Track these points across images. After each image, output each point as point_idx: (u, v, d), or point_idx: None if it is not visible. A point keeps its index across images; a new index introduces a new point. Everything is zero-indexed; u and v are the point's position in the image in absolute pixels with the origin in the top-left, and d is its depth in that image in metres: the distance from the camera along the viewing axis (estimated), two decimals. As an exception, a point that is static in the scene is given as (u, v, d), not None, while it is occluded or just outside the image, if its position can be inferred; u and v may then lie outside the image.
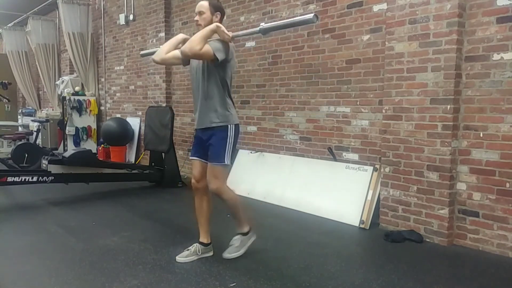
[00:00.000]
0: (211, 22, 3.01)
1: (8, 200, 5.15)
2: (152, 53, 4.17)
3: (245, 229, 3.27)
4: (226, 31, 2.87)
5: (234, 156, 5.50)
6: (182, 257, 3.17)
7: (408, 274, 3.01)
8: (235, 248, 3.22)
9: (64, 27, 9.12)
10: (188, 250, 3.21)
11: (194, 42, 2.82)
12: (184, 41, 3.11)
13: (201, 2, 3.08)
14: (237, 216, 3.25)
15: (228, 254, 3.20)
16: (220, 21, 3.08)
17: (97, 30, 9.48)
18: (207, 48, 2.84)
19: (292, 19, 2.85)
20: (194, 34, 3.07)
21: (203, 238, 3.26)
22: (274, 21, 5.23)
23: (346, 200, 4.31)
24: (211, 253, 3.27)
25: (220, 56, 2.89)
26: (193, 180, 3.22)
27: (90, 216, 4.49)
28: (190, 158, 3.29)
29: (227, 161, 3.05)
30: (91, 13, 9.36)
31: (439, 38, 3.59)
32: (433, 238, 3.70)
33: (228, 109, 3.07)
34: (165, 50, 3.06)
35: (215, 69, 2.98)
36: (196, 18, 3.07)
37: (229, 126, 3.05)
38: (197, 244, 3.24)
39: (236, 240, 3.25)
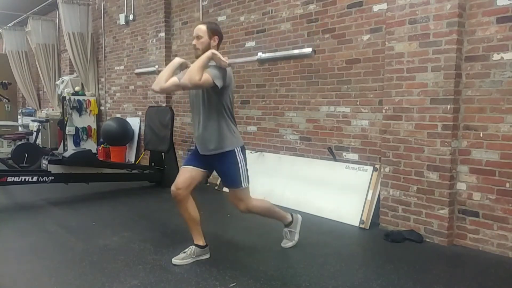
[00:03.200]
0: (209, 46, 3.01)
1: (8, 200, 5.15)
2: (147, 73, 4.18)
3: (288, 219, 3.45)
4: (222, 57, 2.88)
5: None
6: (178, 260, 3.14)
7: (408, 274, 3.01)
8: (288, 238, 3.48)
9: (64, 27, 9.12)
10: (184, 252, 3.19)
11: (193, 73, 2.81)
12: (181, 66, 3.13)
13: (199, 26, 3.08)
14: (275, 217, 3.39)
15: (285, 244, 3.47)
16: (218, 44, 3.09)
17: (97, 30, 9.48)
18: (206, 76, 2.84)
19: (290, 51, 2.88)
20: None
21: (198, 241, 3.24)
22: (274, 21, 5.30)
23: (346, 200, 4.31)
24: (207, 256, 3.25)
25: (219, 83, 2.89)
26: (173, 187, 3.09)
27: (90, 216, 4.49)
28: (183, 167, 3.19)
29: (244, 184, 3.07)
30: (91, 13, 9.36)
31: (439, 38, 3.59)
32: (433, 238, 3.70)
33: (232, 132, 3.08)
34: (164, 79, 3.02)
35: (215, 94, 2.97)
36: (194, 42, 3.07)
37: (235, 150, 3.06)
38: (193, 246, 3.22)
39: (286, 232, 3.48)
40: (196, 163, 3.16)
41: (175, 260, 3.14)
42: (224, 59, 2.88)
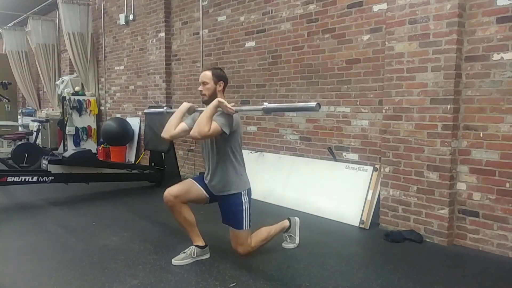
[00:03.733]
0: (214, 92, 3.09)
1: (8, 200, 5.15)
2: (156, 113, 4.23)
3: (286, 226, 3.48)
4: (228, 105, 2.92)
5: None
6: (178, 260, 3.15)
7: (408, 274, 3.01)
8: (289, 241, 3.52)
9: (64, 27, 9.12)
10: (184, 252, 3.20)
11: (202, 125, 2.85)
12: (188, 110, 3.22)
13: (205, 72, 3.15)
14: (276, 235, 3.40)
15: (285, 245, 3.51)
16: (224, 89, 3.15)
17: (97, 30, 9.48)
18: (215, 126, 2.89)
19: (295, 104, 2.87)
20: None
21: (198, 242, 3.25)
22: (274, 21, 5.30)
23: (346, 200, 4.31)
24: (207, 256, 3.26)
25: (227, 130, 2.94)
26: (167, 192, 3.09)
27: (90, 216, 4.49)
28: (190, 179, 3.28)
29: (246, 227, 3.08)
30: (91, 13, 9.36)
31: (439, 38, 3.59)
32: (433, 238, 3.70)
33: (240, 175, 3.12)
34: (173, 125, 3.15)
35: (223, 140, 3.03)
36: (200, 88, 3.14)
37: (242, 193, 3.09)
38: (193, 246, 3.23)
39: (286, 237, 3.52)
40: (202, 185, 3.20)
41: (175, 261, 3.14)
42: (230, 105, 2.92)
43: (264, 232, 3.29)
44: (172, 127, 3.14)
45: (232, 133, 3.00)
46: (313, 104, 2.57)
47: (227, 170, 3.07)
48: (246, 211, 3.08)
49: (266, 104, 2.83)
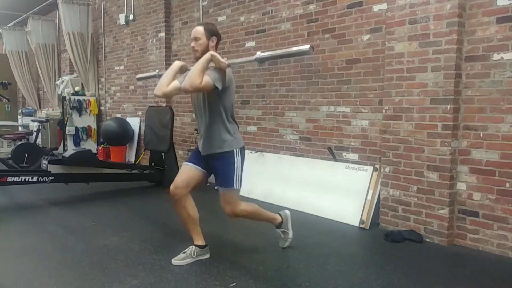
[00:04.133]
0: (207, 47, 3.02)
1: (8, 200, 5.15)
2: (148, 77, 4.17)
3: (278, 220, 3.42)
4: (221, 59, 2.88)
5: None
6: (178, 260, 3.14)
7: (408, 274, 3.01)
8: (283, 237, 3.44)
9: (64, 27, 9.12)
10: (184, 252, 3.19)
11: (193, 77, 2.82)
12: (181, 69, 3.15)
13: (196, 28, 3.08)
14: (264, 219, 3.34)
15: (282, 245, 3.45)
16: (217, 45, 3.09)
17: (97, 30, 9.48)
18: (206, 79, 2.85)
19: (288, 49, 2.84)
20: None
21: (198, 241, 3.24)
22: (274, 21, 5.30)
23: (346, 200, 4.31)
24: (207, 256, 3.25)
25: (220, 85, 2.90)
26: (172, 186, 3.10)
27: (90, 216, 4.49)
28: (184, 163, 3.23)
29: (236, 185, 3.06)
30: (91, 13, 9.36)
31: (439, 38, 3.59)
32: (433, 238, 3.70)
33: (232, 133, 3.08)
34: (165, 83, 3.05)
35: (216, 96, 2.98)
36: (192, 44, 3.08)
37: (234, 151, 3.06)
38: (193, 246, 3.21)
39: (279, 233, 3.44)
40: (197, 161, 3.17)
41: (175, 261, 3.13)
42: (223, 60, 2.88)
43: (255, 206, 3.28)
44: (164, 85, 3.04)
45: (224, 89, 2.94)
46: (306, 47, 2.52)
47: (219, 129, 3.03)
48: (237, 169, 3.04)
49: (259, 54, 2.80)
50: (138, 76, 4.27)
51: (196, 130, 6.37)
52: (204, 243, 3.25)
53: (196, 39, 3.05)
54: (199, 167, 3.16)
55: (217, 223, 4.14)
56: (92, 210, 4.74)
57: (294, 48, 2.77)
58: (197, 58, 3.00)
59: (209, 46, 3.04)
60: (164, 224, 4.20)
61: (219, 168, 3.10)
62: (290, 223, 3.50)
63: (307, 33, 4.93)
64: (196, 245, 3.22)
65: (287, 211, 3.54)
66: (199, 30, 3.05)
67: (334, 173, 4.56)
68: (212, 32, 3.06)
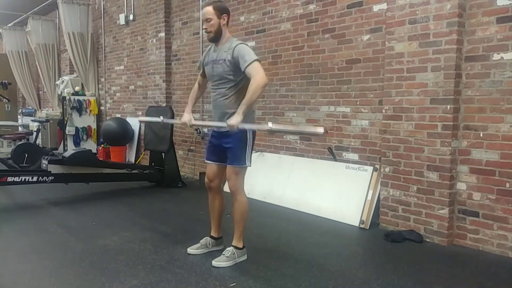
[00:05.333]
0: (219, 26, 3.08)
1: (8, 200, 5.15)
2: (152, 122, 4.17)
3: (241, 244, 3.20)
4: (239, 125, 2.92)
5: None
6: (193, 249, 3.32)
7: (408, 274, 3.01)
8: (225, 258, 3.11)
9: (64, 27, 9.12)
10: (199, 243, 3.34)
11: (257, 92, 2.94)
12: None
13: (206, 8, 3.11)
14: (239, 226, 3.17)
15: (217, 262, 3.09)
16: (228, 22, 3.14)
17: (97, 30, 9.48)
18: (256, 65, 2.92)
19: (301, 128, 2.75)
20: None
21: (214, 233, 3.38)
22: (274, 21, 5.30)
23: (346, 200, 4.31)
24: (221, 247, 3.35)
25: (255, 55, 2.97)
26: (206, 179, 3.31)
27: (90, 216, 4.49)
28: (206, 161, 3.34)
29: (247, 162, 3.10)
30: (91, 13, 9.36)
31: (439, 38, 3.59)
32: (433, 238, 3.70)
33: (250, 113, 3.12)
34: None
35: (233, 73, 3.04)
36: (205, 26, 3.13)
37: (247, 131, 3.08)
38: (208, 237, 3.37)
39: (229, 251, 3.15)
40: (214, 157, 3.25)
41: (190, 250, 3.32)
42: (237, 124, 2.90)
43: (247, 205, 3.17)
44: None
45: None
46: (320, 130, 2.50)
47: (235, 103, 3.06)
48: (248, 147, 3.09)
49: (271, 125, 2.81)
50: (140, 118, 4.28)
51: (197, 130, 6.43)
52: (218, 236, 3.39)
53: (207, 20, 3.08)
54: (218, 163, 3.24)
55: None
56: (92, 210, 4.74)
57: (307, 129, 2.71)
58: (211, 39, 3.13)
59: (221, 25, 3.09)
60: (164, 224, 4.20)
61: (232, 146, 3.09)
62: (240, 260, 3.15)
63: (307, 33, 4.93)
64: (211, 237, 3.38)
65: (246, 255, 3.24)
66: (209, 10, 3.07)
67: (334, 173, 4.56)
68: (222, 10, 3.10)
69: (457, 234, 3.65)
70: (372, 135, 4.38)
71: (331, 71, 4.70)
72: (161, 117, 3.88)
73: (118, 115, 8.84)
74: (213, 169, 3.27)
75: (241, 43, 3.04)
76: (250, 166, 3.13)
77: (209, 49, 3.27)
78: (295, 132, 2.74)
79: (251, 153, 3.12)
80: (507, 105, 3.33)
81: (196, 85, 3.47)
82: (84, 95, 9.33)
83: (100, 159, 7.87)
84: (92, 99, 9.27)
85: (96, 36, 9.52)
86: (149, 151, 6.46)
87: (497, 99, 3.38)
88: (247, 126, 2.99)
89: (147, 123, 6.30)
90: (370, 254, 3.56)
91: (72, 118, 8.88)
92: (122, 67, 8.79)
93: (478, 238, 3.52)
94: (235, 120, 2.89)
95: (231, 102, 3.08)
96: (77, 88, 9.30)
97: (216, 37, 3.11)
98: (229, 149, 3.11)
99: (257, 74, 2.90)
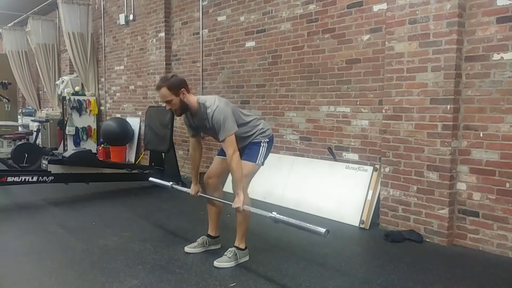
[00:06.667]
0: (181, 101, 3.00)
1: (8, 200, 5.15)
2: (162, 185, 4.16)
3: (244, 245, 3.19)
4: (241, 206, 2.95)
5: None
6: (190, 248, 3.33)
7: (408, 274, 3.01)
8: (227, 258, 3.09)
9: (64, 27, 9.12)
10: (197, 242, 3.35)
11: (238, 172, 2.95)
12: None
13: (161, 91, 2.98)
14: (241, 227, 3.16)
15: (218, 262, 3.08)
16: (188, 90, 3.02)
17: (97, 30, 9.48)
18: (230, 139, 2.92)
19: (304, 224, 2.74)
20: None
21: (211, 231, 3.39)
22: (274, 21, 5.29)
23: (346, 200, 4.31)
24: (218, 246, 3.37)
25: (235, 127, 2.97)
26: (206, 176, 3.31)
27: (90, 216, 4.49)
28: (215, 157, 3.36)
29: (258, 161, 3.13)
30: (91, 13, 9.36)
31: (439, 38, 3.59)
32: (433, 238, 3.70)
33: (258, 127, 3.17)
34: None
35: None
36: (168, 106, 3.06)
37: (262, 141, 3.18)
38: (205, 236, 3.38)
39: (231, 252, 3.13)
40: (224, 153, 3.20)
41: (187, 248, 3.33)
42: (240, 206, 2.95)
43: (249, 214, 3.11)
44: None
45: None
46: (322, 230, 2.54)
47: (244, 140, 3.13)
48: (262, 149, 3.15)
49: (275, 214, 2.79)
50: (151, 179, 4.34)
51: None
52: (216, 234, 3.40)
53: (168, 102, 3.01)
54: (223, 156, 3.19)
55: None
56: (92, 210, 4.74)
57: (311, 227, 2.70)
58: (179, 115, 3.14)
59: (183, 99, 2.99)
60: (164, 224, 4.20)
61: (248, 147, 3.16)
62: (242, 261, 3.15)
63: (307, 33, 4.93)
64: (208, 235, 3.38)
65: (248, 256, 3.23)
66: (165, 93, 2.96)
67: (334, 173, 4.56)
68: (177, 86, 2.96)
69: (457, 234, 3.65)
70: (372, 135, 4.38)
71: (331, 71, 4.70)
72: (171, 183, 3.96)
73: (118, 115, 8.84)
74: (217, 164, 3.27)
75: (214, 110, 2.92)
76: (260, 165, 3.16)
77: (186, 116, 3.21)
78: (298, 226, 2.74)
79: (265, 155, 3.18)
80: (507, 105, 3.33)
81: (191, 150, 3.37)
82: (84, 95, 9.33)
83: (100, 159, 7.87)
84: (92, 99, 9.27)
85: (96, 36, 9.52)
86: (149, 151, 6.46)
87: (497, 99, 3.38)
88: (252, 210, 2.98)
89: (147, 123, 6.31)
90: (370, 254, 3.56)
91: (72, 118, 8.88)
92: (122, 67, 8.79)
93: (478, 238, 3.52)
94: (239, 202, 2.93)
95: (239, 138, 3.07)
96: (77, 88, 9.30)
97: (184, 111, 3.06)
98: (245, 149, 3.17)
99: (227, 151, 2.92)
